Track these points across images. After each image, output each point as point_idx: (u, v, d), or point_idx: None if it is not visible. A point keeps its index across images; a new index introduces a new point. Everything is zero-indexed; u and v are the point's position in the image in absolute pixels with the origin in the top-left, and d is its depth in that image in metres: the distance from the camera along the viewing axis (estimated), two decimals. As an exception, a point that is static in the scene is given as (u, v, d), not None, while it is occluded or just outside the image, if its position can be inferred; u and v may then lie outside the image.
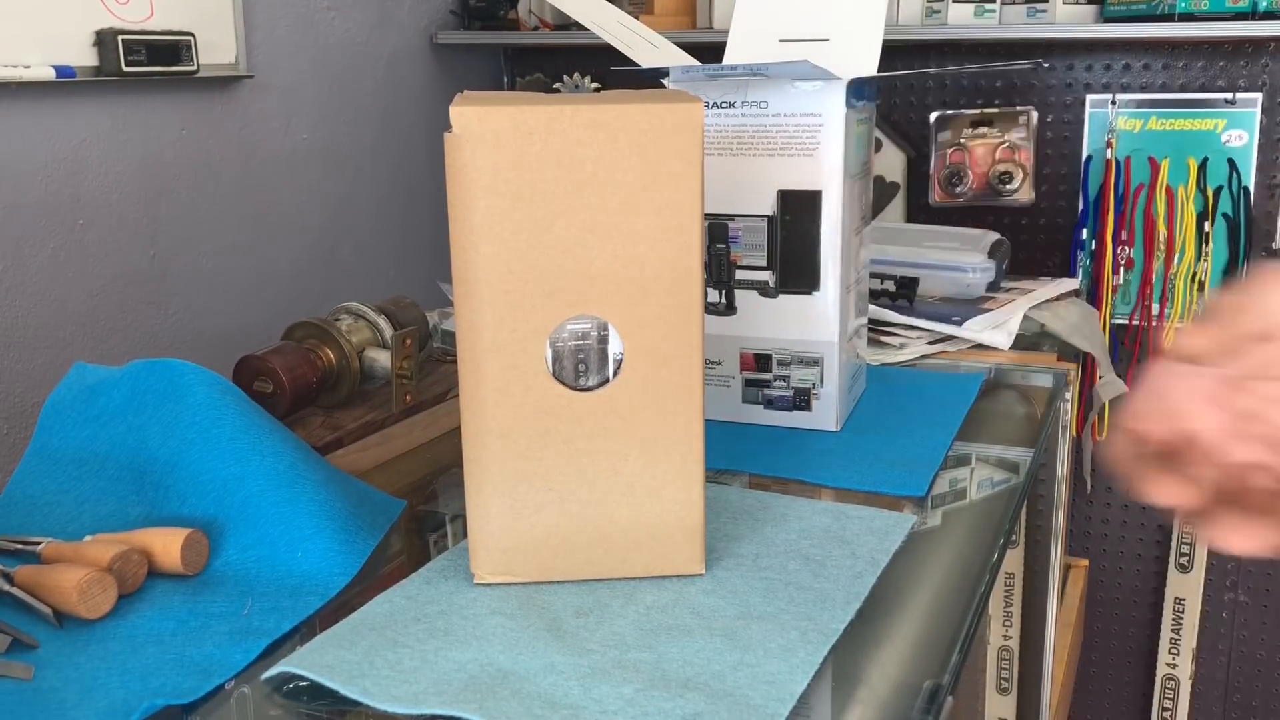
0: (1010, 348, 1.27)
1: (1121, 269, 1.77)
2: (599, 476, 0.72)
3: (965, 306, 1.35)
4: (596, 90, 1.97)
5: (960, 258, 1.40)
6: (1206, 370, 0.49)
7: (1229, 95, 1.68)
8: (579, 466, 0.72)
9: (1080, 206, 1.79)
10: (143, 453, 0.81)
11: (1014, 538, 1.39)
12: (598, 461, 0.72)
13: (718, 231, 1.00)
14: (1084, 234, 1.79)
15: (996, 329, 1.27)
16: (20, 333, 1.28)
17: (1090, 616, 1.96)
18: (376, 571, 0.78)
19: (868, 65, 1.04)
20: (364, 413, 1.00)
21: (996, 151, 1.80)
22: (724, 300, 1.02)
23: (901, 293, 1.36)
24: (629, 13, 1.74)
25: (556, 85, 2.00)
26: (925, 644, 0.69)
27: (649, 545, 0.74)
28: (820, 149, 0.95)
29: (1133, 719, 1.97)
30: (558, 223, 0.69)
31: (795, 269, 0.99)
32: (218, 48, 1.46)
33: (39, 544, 0.76)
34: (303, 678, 0.64)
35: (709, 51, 1.81)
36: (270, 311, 1.62)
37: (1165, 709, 1.92)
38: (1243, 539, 0.50)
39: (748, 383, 1.03)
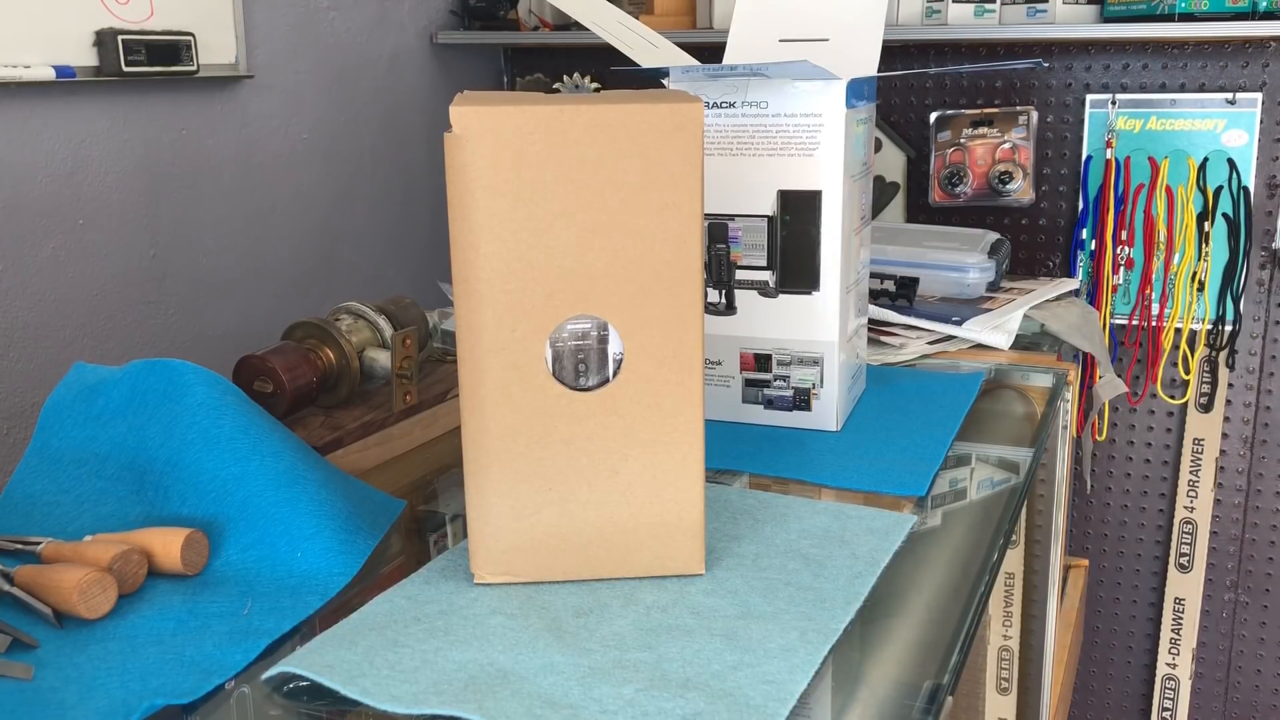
0: (1010, 348, 1.27)
1: (1121, 269, 1.77)
2: (599, 476, 0.72)
3: (965, 306, 1.35)
4: (596, 90, 1.97)
5: (960, 258, 1.40)
6: None
7: (1229, 95, 1.68)
8: (579, 466, 0.72)
9: (1080, 206, 1.79)
10: (143, 453, 0.81)
11: (1014, 538, 1.39)
12: (598, 461, 0.72)
13: (718, 231, 1.00)
14: (1084, 234, 1.79)
15: (996, 329, 1.27)
16: (20, 333, 1.28)
17: (1090, 616, 1.96)
18: (376, 571, 0.78)
19: (868, 65, 1.04)
20: (364, 413, 1.00)
21: (996, 151, 1.80)
22: (724, 300, 1.02)
23: (901, 293, 1.36)
24: (629, 13, 1.74)
25: (556, 85, 2.00)
26: (925, 644, 0.69)
27: (649, 545, 0.74)
28: (820, 149, 0.95)
29: (1133, 719, 1.97)
30: (558, 223, 0.69)
31: (795, 269, 0.99)
32: (218, 48, 1.46)
33: (39, 544, 0.76)
34: (303, 678, 0.64)
35: (709, 51, 1.82)
36: (270, 311, 1.62)
37: (1165, 709, 1.92)
38: None
39: (748, 383, 1.03)
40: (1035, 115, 1.78)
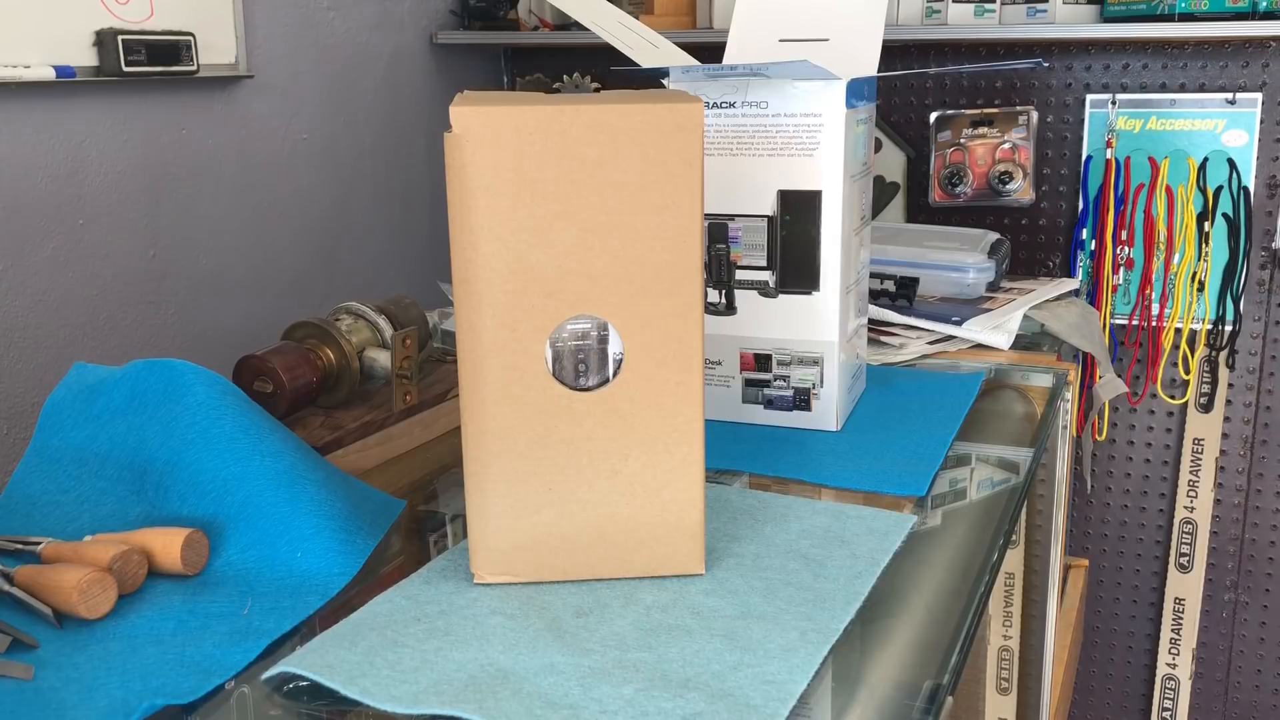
0: (1010, 348, 1.27)
1: (1121, 269, 1.77)
2: (599, 476, 0.72)
3: (965, 306, 1.35)
4: (596, 90, 1.97)
5: (960, 258, 1.40)
6: None
7: (1229, 95, 1.68)
8: (579, 466, 0.72)
9: (1080, 206, 1.79)
10: (143, 453, 0.81)
11: (1014, 538, 1.39)
12: (597, 461, 0.72)
13: (718, 231, 1.00)
14: (1084, 234, 1.79)
15: (996, 329, 1.27)
16: (20, 333, 1.28)
17: (1090, 616, 1.96)
18: (376, 571, 0.78)
19: (868, 65, 1.04)
20: (364, 413, 1.00)
21: (996, 151, 1.80)
22: (724, 300, 1.02)
23: (901, 293, 1.36)
24: (629, 13, 1.74)
25: (556, 85, 2.00)
26: (925, 644, 0.69)
27: (649, 545, 0.74)
28: (820, 149, 0.95)
29: (1133, 719, 1.97)
30: (558, 223, 0.69)
31: (795, 269, 0.99)
32: (218, 48, 1.46)
33: (39, 544, 0.76)
34: (303, 678, 0.64)
35: (709, 51, 1.82)
36: (270, 311, 1.62)
37: (1165, 709, 1.92)
38: None
39: (748, 383, 1.03)
40: (1035, 115, 1.78)
